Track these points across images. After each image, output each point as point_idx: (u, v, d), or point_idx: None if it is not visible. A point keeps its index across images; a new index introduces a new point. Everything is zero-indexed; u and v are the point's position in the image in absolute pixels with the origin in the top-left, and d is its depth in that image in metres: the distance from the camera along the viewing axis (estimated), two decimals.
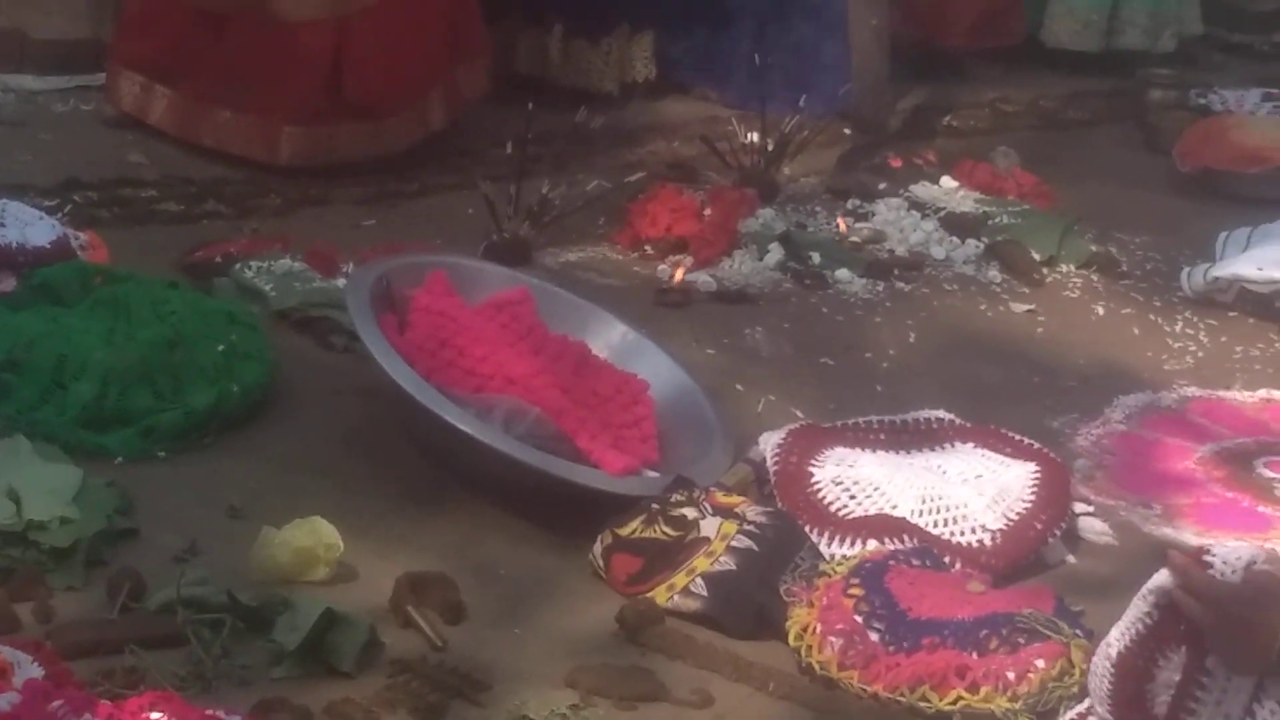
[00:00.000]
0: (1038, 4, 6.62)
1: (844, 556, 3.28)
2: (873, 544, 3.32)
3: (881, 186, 5.35)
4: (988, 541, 3.42)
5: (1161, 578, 2.27)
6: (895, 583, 3.09)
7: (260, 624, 2.92)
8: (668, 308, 4.50)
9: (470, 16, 5.38)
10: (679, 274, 4.64)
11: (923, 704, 2.89)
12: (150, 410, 3.57)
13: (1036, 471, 3.64)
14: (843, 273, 4.78)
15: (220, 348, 3.72)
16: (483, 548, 3.34)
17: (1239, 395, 4.29)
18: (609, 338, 3.99)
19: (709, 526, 3.25)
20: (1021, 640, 2.92)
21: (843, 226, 5.06)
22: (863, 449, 3.70)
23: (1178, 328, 4.69)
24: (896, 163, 5.52)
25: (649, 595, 3.17)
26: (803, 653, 3.00)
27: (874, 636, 2.98)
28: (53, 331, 3.69)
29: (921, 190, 5.34)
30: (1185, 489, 3.80)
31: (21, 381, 3.60)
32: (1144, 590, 2.30)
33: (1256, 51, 7.01)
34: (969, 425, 3.85)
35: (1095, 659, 2.39)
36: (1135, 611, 2.30)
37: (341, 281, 4.22)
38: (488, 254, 4.49)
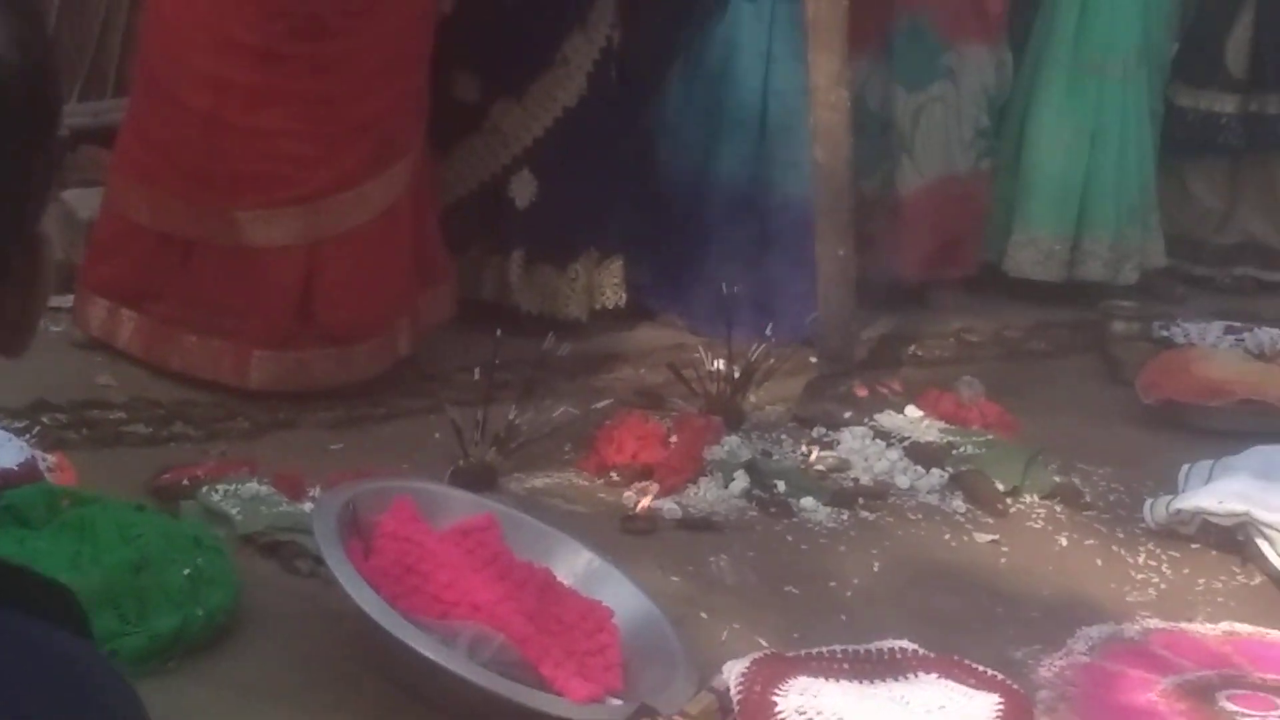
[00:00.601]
0: (1000, 234, 6.78)
1: None
2: None
3: (847, 415, 5.45)
4: None
5: None
6: None
7: None
8: (633, 535, 4.58)
9: (434, 243, 5.52)
10: (645, 501, 4.72)
11: None
12: (114, 634, 3.62)
13: (1000, 703, 3.70)
14: (808, 501, 4.88)
15: (186, 571, 3.79)
16: None
17: (1202, 628, 4.37)
18: (574, 564, 4.07)
19: None
20: None
21: (809, 455, 5.17)
22: (826, 679, 3.77)
23: (1141, 559, 4.78)
24: (862, 391, 5.62)
25: None
26: None
27: None
28: (18, 555, 3.74)
29: (886, 419, 5.45)
30: None
31: None
32: None
33: (1218, 285, 7.14)
34: (932, 655, 3.92)
35: None
36: None
37: (308, 506, 4.30)
38: (454, 479, 4.58)
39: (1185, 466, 5.15)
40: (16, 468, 4.20)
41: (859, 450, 5.23)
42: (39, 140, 1.07)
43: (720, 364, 5.39)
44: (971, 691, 3.75)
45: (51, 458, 4.41)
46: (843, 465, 5.15)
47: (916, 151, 6.46)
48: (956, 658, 3.91)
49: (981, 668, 3.87)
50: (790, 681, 3.71)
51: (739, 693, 3.66)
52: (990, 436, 5.38)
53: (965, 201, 6.58)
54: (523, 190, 5.87)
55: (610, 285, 6.06)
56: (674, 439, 5.03)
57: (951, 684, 3.79)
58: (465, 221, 5.83)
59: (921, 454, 5.21)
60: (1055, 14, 6.70)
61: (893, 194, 6.47)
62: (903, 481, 5.08)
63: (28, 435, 4.56)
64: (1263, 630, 4.37)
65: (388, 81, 5.15)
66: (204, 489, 4.37)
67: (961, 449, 5.24)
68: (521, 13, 5.76)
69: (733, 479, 4.92)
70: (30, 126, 1.06)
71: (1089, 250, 6.75)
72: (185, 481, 4.42)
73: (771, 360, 5.47)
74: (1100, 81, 6.72)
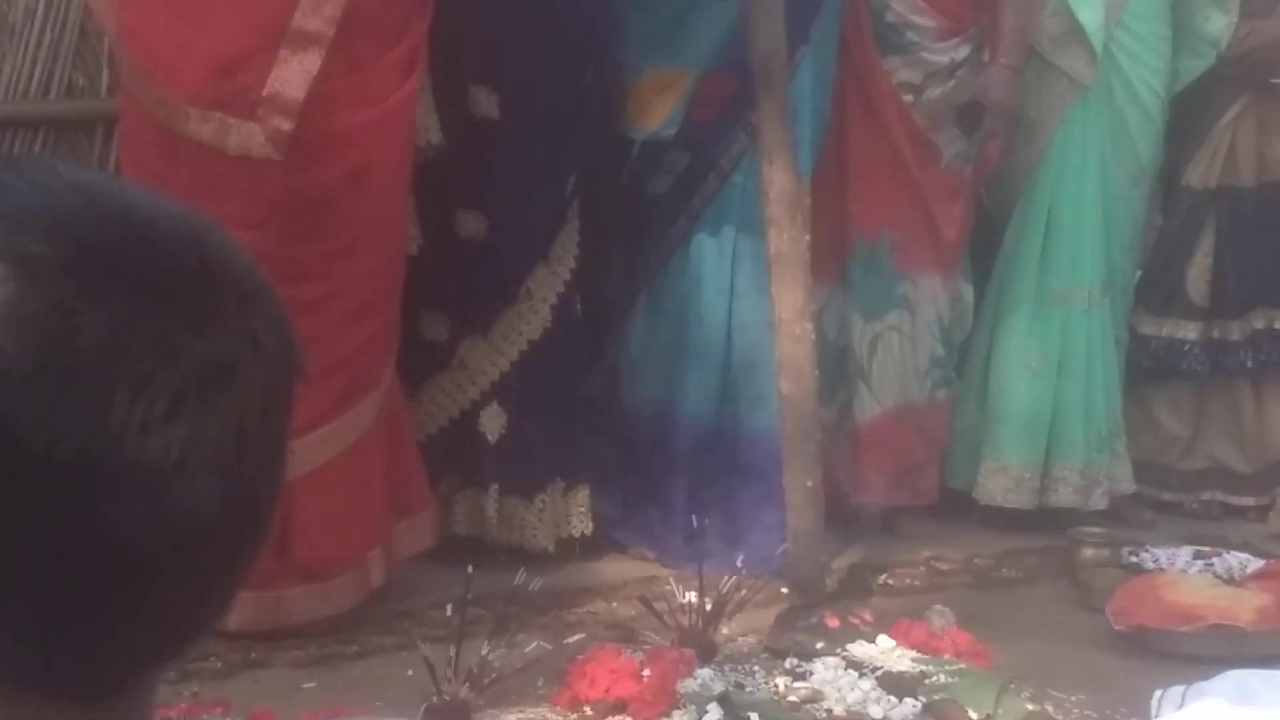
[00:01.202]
0: (970, 461, 6.98)
1: None
2: None
3: (819, 646, 5.56)
4: None
5: None
6: None
7: None
8: None
9: (411, 473, 5.70)
10: None
11: None
12: None
13: None
14: None
15: None
16: None
17: None
18: None
19: None
20: None
21: (782, 687, 5.28)
22: None
23: None
24: (834, 622, 5.73)
25: None
26: None
27: None
28: None
29: (858, 649, 5.56)
30: None
31: None
32: None
33: (1186, 509, 7.31)
34: None
35: None
36: None
37: None
38: (428, 716, 4.69)
39: (1157, 692, 5.24)
40: None
41: (832, 681, 5.35)
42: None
43: (692, 596, 5.53)
44: None
45: None
46: (816, 696, 5.26)
47: (874, 380, 6.68)
48: None
49: None
50: None
51: None
52: (962, 665, 5.49)
53: (922, 431, 6.79)
54: (493, 423, 6.05)
55: (577, 514, 6.20)
56: (647, 672, 5.13)
57: None
58: (436, 458, 6.00)
59: (894, 684, 5.33)
60: (1019, 244, 6.96)
61: (851, 422, 6.68)
62: (876, 712, 5.19)
63: None
64: None
65: (360, 320, 5.36)
66: None
67: (934, 678, 5.36)
68: (485, 249, 5.99)
69: (706, 712, 5.01)
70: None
71: (1059, 477, 6.94)
72: None
73: (743, 592, 5.59)
74: (1065, 310, 6.96)
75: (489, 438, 6.05)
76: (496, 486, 6.05)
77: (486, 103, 5.93)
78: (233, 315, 1.14)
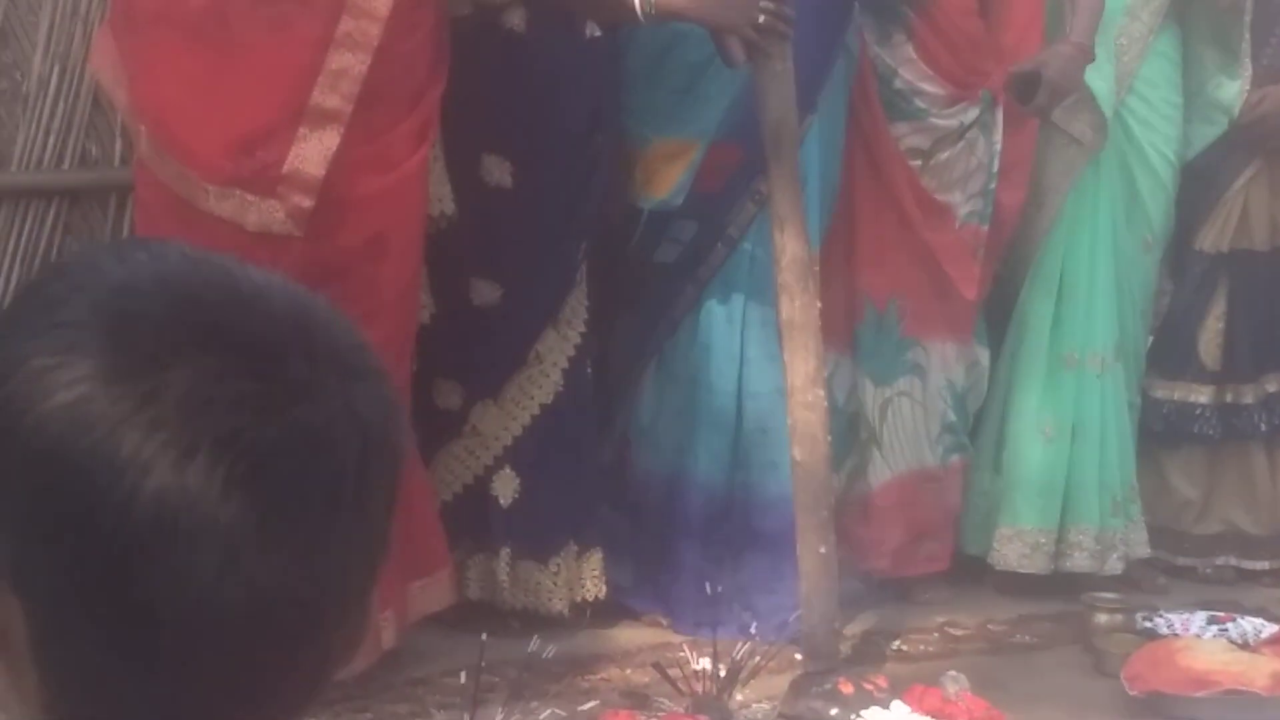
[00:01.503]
0: (986, 528, 7.05)
1: None
2: None
3: (833, 712, 5.60)
4: None
5: None
6: None
7: None
8: None
9: (427, 532, 5.78)
10: None
11: None
12: None
13: None
14: None
15: None
16: None
17: None
18: None
19: None
20: None
21: None
22: None
23: None
24: (848, 688, 5.76)
25: None
26: None
27: None
28: None
29: (873, 716, 5.60)
30: None
31: None
32: None
33: (1200, 575, 7.37)
34: None
35: None
36: None
37: None
38: None
39: None
40: None
41: None
42: None
43: (706, 663, 5.59)
44: None
45: None
46: None
47: (886, 445, 6.76)
48: None
49: None
50: None
51: None
52: None
53: (936, 497, 6.86)
54: (505, 488, 6.14)
55: (591, 577, 6.28)
56: None
57: None
58: (449, 525, 6.07)
59: None
60: (1031, 309, 7.05)
61: (864, 487, 6.76)
62: None
63: None
64: None
65: None
66: None
67: None
68: (496, 315, 6.10)
69: None
70: None
71: (1074, 542, 7.00)
72: None
73: (757, 658, 5.66)
74: (1079, 375, 7.04)
75: (502, 502, 6.14)
76: (508, 551, 6.13)
77: (499, 171, 6.05)
78: (331, 388, 1.13)
